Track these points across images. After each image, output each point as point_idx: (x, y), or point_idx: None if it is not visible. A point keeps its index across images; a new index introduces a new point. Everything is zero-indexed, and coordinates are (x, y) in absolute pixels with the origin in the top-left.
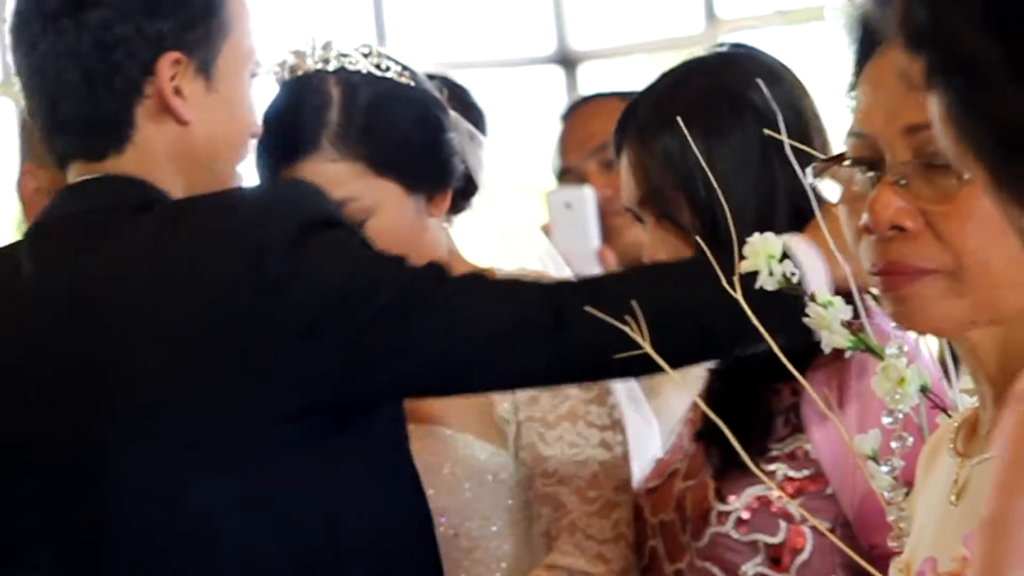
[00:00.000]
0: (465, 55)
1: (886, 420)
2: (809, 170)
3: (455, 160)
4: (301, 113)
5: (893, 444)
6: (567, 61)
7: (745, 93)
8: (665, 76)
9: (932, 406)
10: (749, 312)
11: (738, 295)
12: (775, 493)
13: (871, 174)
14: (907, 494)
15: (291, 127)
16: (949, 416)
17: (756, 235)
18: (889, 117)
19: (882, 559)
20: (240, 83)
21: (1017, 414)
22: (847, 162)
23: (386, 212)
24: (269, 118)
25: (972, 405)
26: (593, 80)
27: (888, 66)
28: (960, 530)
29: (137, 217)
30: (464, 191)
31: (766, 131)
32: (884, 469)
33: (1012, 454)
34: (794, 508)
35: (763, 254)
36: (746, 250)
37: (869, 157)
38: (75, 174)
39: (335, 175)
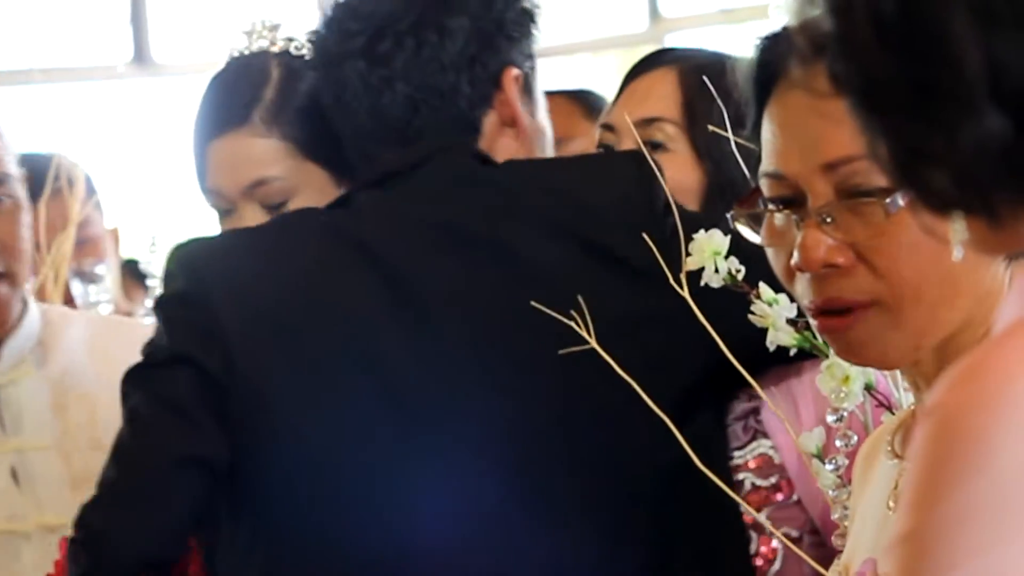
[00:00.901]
0: None
1: (831, 419)
2: (729, 215)
3: None
4: (237, 87)
5: (838, 442)
6: None
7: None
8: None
9: (877, 404)
10: (698, 313)
11: (685, 292)
12: (744, 506)
13: (794, 216)
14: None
15: (225, 99)
16: (894, 415)
17: (701, 232)
18: (804, 157)
19: None
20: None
21: (928, 428)
22: (767, 203)
23: (309, 195)
24: (207, 90)
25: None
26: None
27: (793, 104)
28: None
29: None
30: None
31: (711, 127)
32: (829, 467)
33: (925, 468)
34: (762, 519)
35: (708, 251)
36: (692, 247)
37: (788, 195)
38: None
39: (261, 151)
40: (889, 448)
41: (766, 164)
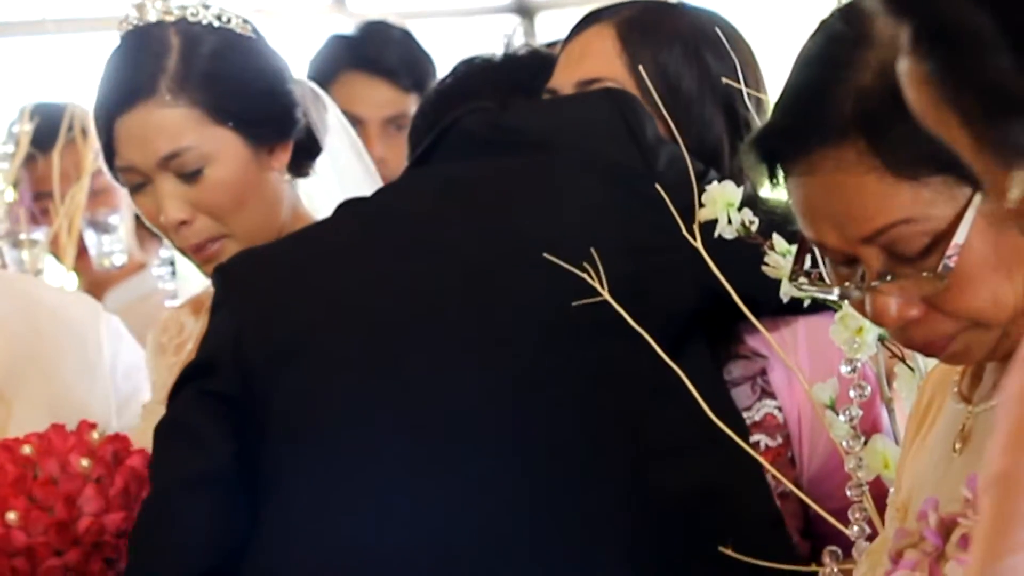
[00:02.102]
0: (424, 4)
1: (844, 369)
2: (784, 281)
3: (296, 112)
4: (139, 60)
5: (852, 393)
6: (525, 10)
7: (717, 43)
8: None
9: (891, 355)
10: (709, 261)
11: (697, 242)
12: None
13: (853, 281)
14: (865, 443)
15: (129, 74)
16: (908, 365)
17: (715, 183)
18: (841, 233)
19: (835, 514)
20: None
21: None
22: (824, 266)
23: (224, 160)
24: (107, 67)
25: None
26: (551, 29)
27: (812, 184)
28: (963, 475)
29: None
30: (308, 149)
31: (725, 79)
32: (842, 418)
33: (1018, 410)
34: (784, 481)
35: (722, 202)
36: (705, 198)
37: (839, 259)
38: None
39: (172, 121)
40: (956, 391)
41: (805, 232)
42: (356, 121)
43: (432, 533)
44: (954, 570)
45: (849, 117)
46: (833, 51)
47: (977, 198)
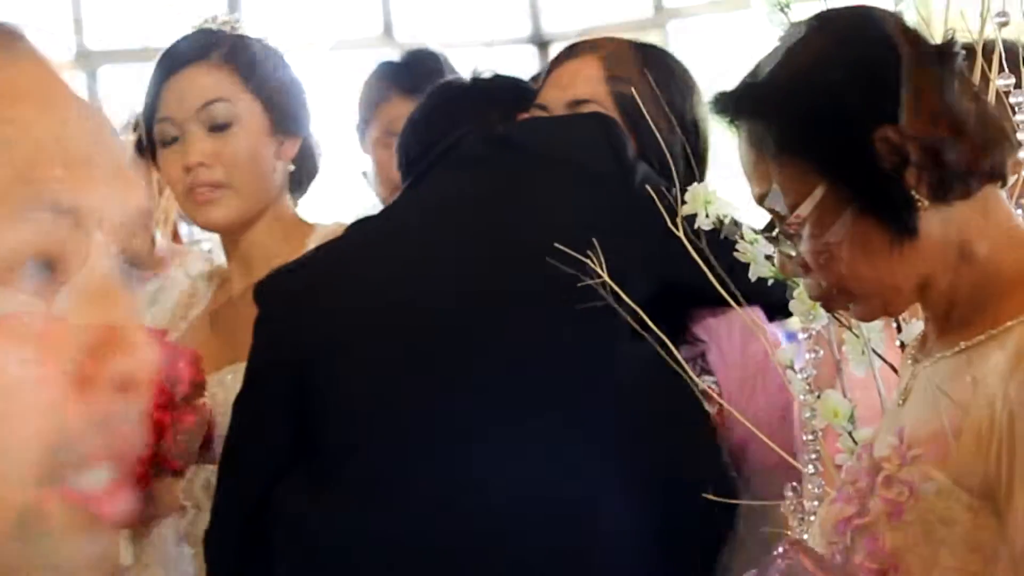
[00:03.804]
0: (446, 36)
1: (801, 336)
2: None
3: (310, 119)
4: (197, 37)
5: (807, 355)
6: (540, 41)
7: (676, 77)
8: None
9: (840, 324)
10: (692, 251)
11: (680, 233)
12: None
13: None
14: (818, 397)
15: (185, 45)
16: (854, 333)
17: (695, 184)
18: (753, 189)
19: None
20: None
21: None
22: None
23: (247, 124)
24: (167, 50)
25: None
26: None
27: (742, 145)
28: (896, 425)
29: None
30: (307, 167)
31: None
32: (800, 376)
33: None
34: (742, 419)
35: (700, 200)
36: (687, 196)
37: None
38: None
39: (215, 79)
40: (911, 355)
41: None
42: None
43: (434, 520)
44: (876, 504)
45: (753, 97)
46: (785, 39)
47: (821, 188)
